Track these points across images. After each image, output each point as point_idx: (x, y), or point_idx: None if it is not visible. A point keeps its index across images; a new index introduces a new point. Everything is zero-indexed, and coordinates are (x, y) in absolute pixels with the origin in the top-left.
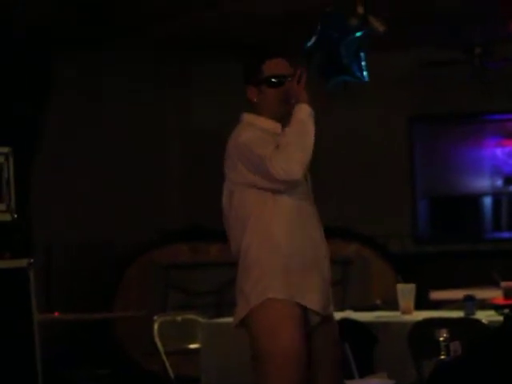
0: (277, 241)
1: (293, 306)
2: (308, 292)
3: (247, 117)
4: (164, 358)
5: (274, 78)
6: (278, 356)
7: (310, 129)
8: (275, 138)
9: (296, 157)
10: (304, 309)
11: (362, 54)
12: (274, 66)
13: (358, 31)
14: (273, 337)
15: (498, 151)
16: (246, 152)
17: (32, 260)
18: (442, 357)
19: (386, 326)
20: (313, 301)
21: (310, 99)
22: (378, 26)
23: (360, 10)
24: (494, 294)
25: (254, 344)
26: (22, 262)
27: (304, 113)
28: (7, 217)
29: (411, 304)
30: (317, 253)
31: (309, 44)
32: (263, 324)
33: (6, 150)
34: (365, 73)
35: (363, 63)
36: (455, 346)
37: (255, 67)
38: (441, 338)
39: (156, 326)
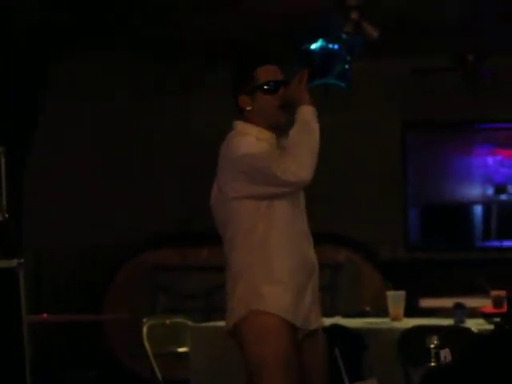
0: (269, 254)
1: (281, 318)
2: (297, 309)
3: (240, 126)
4: (152, 360)
5: (269, 84)
6: (269, 363)
7: (315, 129)
8: (271, 148)
9: (305, 158)
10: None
11: (348, 61)
12: (267, 73)
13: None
14: (262, 344)
15: (490, 160)
16: (249, 162)
17: (22, 260)
18: (432, 364)
19: (375, 332)
20: (299, 317)
21: (312, 100)
22: (372, 31)
23: (354, 15)
24: (484, 303)
25: (244, 352)
26: (12, 262)
27: (308, 113)
28: None
29: (401, 311)
30: (309, 267)
31: (311, 46)
32: (252, 331)
33: None
34: (346, 81)
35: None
36: (445, 354)
37: (247, 75)
38: (431, 345)
39: (145, 329)
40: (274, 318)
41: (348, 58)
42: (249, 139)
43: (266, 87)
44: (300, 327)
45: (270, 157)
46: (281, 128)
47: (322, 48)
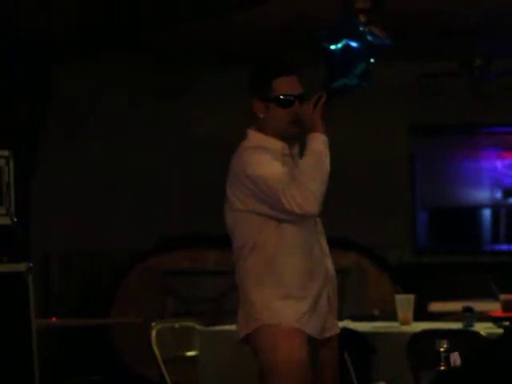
0: (280, 270)
1: (295, 328)
2: (311, 318)
3: (253, 136)
4: (161, 364)
5: (283, 97)
6: (281, 369)
7: (326, 160)
8: (285, 160)
9: (313, 191)
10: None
11: (371, 61)
12: (285, 85)
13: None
14: (275, 351)
15: (498, 163)
16: (258, 183)
17: (31, 264)
18: (442, 368)
19: (384, 336)
20: (314, 327)
21: (325, 128)
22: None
23: (362, 18)
24: (493, 307)
25: (257, 358)
26: (21, 267)
27: (320, 143)
28: (7, 220)
29: (410, 315)
30: (322, 277)
31: (333, 46)
32: (265, 339)
33: (6, 153)
34: (368, 82)
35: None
36: (455, 357)
37: (265, 82)
38: (441, 349)
39: (154, 333)
40: (288, 328)
41: (371, 60)
42: (261, 157)
43: (281, 99)
44: (314, 336)
45: (279, 181)
46: (293, 137)
47: (343, 48)
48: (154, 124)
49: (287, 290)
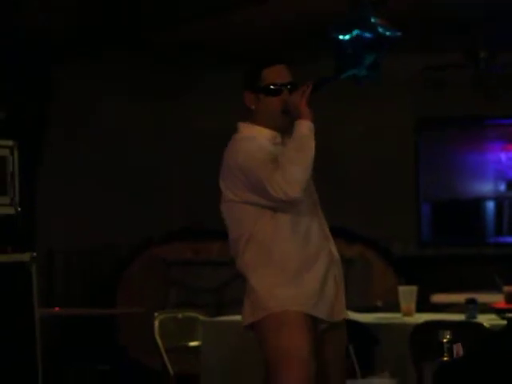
0: (277, 258)
1: (301, 312)
2: (318, 301)
3: (244, 128)
4: (164, 354)
5: (272, 86)
6: (285, 355)
7: (310, 146)
8: (277, 148)
9: (295, 176)
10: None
11: (381, 53)
12: (274, 74)
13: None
14: (279, 337)
15: (502, 156)
16: (245, 173)
17: (35, 254)
18: (445, 358)
19: (387, 327)
20: (321, 309)
21: (312, 115)
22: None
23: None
24: (496, 298)
25: (262, 345)
26: (25, 256)
27: (305, 129)
28: (11, 210)
29: (412, 306)
30: (325, 260)
31: (342, 37)
32: (270, 326)
33: (10, 143)
34: (377, 73)
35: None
36: (457, 349)
37: (254, 73)
38: (444, 340)
39: (156, 323)
40: (295, 313)
41: (381, 51)
42: (249, 146)
43: (269, 88)
44: (324, 319)
45: (265, 169)
46: (286, 129)
47: (353, 38)
48: (154, 124)
49: (288, 276)
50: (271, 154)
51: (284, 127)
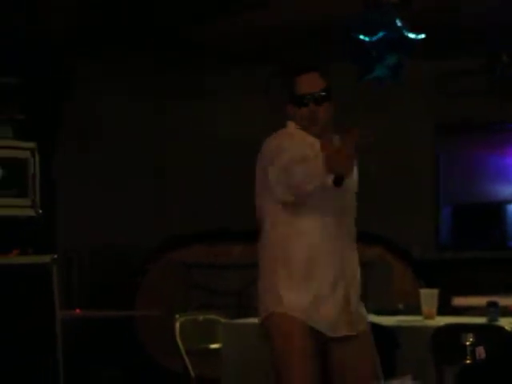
0: (288, 262)
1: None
2: (317, 313)
3: (290, 125)
4: (185, 357)
5: (298, 97)
6: (285, 358)
7: (315, 184)
8: (314, 149)
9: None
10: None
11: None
12: (303, 83)
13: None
14: (280, 339)
15: None
16: (267, 171)
17: (55, 256)
18: (468, 361)
19: (408, 330)
20: (320, 322)
21: (348, 171)
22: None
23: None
24: None
25: (269, 345)
26: (46, 258)
27: (329, 180)
28: (32, 212)
29: (434, 309)
30: (338, 277)
31: (363, 37)
32: (273, 327)
33: (31, 145)
34: (398, 74)
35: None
36: (480, 351)
37: (286, 83)
38: (467, 343)
39: (177, 326)
40: (293, 318)
41: (405, 54)
42: (280, 144)
43: (296, 99)
44: (323, 332)
45: (279, 170)
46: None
47: (379, 39)
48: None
49: (294, 281)
50: (311, 150)
51: (314, 135)
